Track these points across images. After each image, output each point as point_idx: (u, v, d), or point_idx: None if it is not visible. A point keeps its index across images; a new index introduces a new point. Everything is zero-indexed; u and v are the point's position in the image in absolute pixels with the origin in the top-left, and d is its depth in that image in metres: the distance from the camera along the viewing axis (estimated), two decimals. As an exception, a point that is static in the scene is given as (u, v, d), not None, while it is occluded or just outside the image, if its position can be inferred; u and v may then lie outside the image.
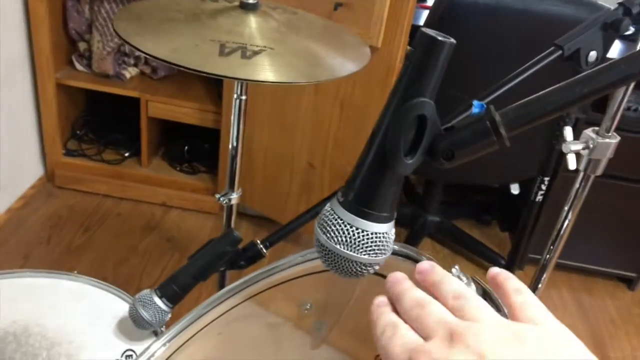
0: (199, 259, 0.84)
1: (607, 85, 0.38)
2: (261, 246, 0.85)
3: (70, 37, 2.05)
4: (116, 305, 0.91)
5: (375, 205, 0.43)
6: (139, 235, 2.01)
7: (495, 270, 0.40)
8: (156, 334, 0.87)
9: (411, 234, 2.11)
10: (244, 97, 1.02)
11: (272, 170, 1.95)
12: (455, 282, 0.38)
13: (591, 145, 0.76)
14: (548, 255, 0.83)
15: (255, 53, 0.88)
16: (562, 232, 0.83)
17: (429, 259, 0.48)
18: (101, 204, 2.12)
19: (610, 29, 0.89)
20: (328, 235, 0.44)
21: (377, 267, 0.45)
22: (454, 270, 0.41)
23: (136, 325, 0.83)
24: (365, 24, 1.53)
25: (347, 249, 0.43)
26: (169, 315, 0.84)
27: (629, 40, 1.92)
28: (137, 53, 2.09)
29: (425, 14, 1.87)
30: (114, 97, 2.05)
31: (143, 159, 2.15)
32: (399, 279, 0.40)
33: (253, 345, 0.69)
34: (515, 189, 2.01)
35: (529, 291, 0.38)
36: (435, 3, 1.58)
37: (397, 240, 0.46)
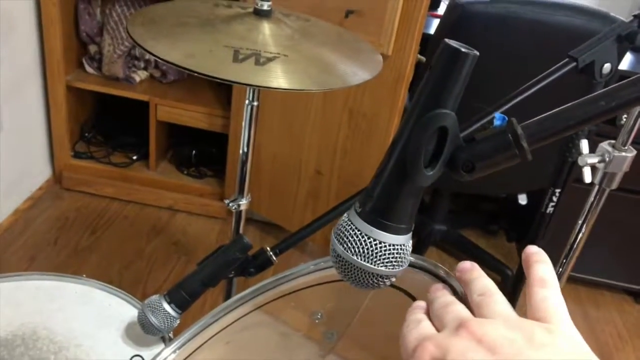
0: (208, 265, 0.83)
1: (632, 100, 0.38)
2: (271, 253, 0.84)
3: (81, 39, 2.06)
4: (123, 309, 0.91)
5: (393, 217, 0.42)
6: (145, 239, 2.01)
7: (531, 250, 0.40)
8: (164, 340, 0.86)
9: (417, 242, 2.10)
10: (255, 103, 1.02)
11: (279, 176, 1.95)
12: (485, 281, 0.39)
13: (607, 159, 0.75)
14: (560, 269, 0.82)
15: (269, 60, 0.88)
16: (575, 245, 0.82)
17: (445, 272, 0.48)
18: (108, 207, 2.12)
19: (625, 41, 0.88)
20: (345, 245, 0.43)
21: (393, 279, 0.45)
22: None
23: (144, 330, 0.83)
24: (376, 32, 1.53)
25: (364, 260, 0.43)
26: (178, 322, 0.83)
27: (640, 52, 1.91)
28: (147, 56, 2.09)
29: (436, 22, 1.87)
30: (123, 100, 2.06)
31: (151, 162, 2.16)
32: (437, 287, 0.42)
33: (262, 355, 0.69)
34: (523, 200, 2.01)
35: (553, 283, 0.38)
36: (446, 12, 1.58)
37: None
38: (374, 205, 0.43)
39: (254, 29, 0.95)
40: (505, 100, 0.79)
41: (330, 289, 0.64)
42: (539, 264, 0.39)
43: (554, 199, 0.96)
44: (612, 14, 1.49)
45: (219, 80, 0.82)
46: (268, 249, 0.85)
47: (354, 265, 0.43)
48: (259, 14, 0.96)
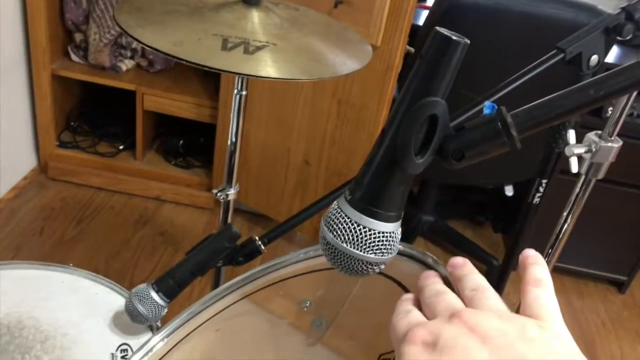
0: (197, 254, 0.83)
1: (620, 89, 0.38)
2: (259, 243, 0.84)
3: (67, 28, 2.03)
4: (111, 299, 0.91)
5: (383, 204, 0.42)
6: (132, 229, 2.00)
7: (528, 253, 0.41)
8: (152, 328, 0.86)
9: (405, 233, 2.09)
10: (244, 93, 1.02)
11: (267, 166, 1.95)
12: (478, 278, 0.40)
13: (594, 149, 0.76)
14: (546, 259, 0.83)
15: (258, 48, 0.87)
16: (561, 235, 0.83)
17: (434, 260, 0.48)
18: (94, 197, 2.10)
19: (613, 34, 0.89)
20: (334, 233, 0.43)
21: (382, 267, 0.45)
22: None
23: (132, 319, 0.82)
24: (365, 22, 1.52)
25: (354, 248, 0.43)
26: (165, 310, 0.83)
27: (629, 45, 1.93)
28: (134, 45, 2.07)
29: (424, 14, 1.87)
30: (110, 89, 2.04)
31: (137, 152, 2.14)
32: (428, 275, 0.42)
33: (251, 342, 0.69)
34: (509, 191, 2.02)
35: (548, 283, 0.39)
36: (435, 3, 1.58)
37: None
38: (363, 192, 0.43)
39: (243, 17, 0.94)
40: (493, 91, 0.80)
41: (319, 278, 0.65)
42: (535, 265, 0.40)
43: (541, 189, 0.97)
44: (599, 7, 1.50)
45: (207, 69, 0.81)
46: (257, 238, 0.85)
47: (344, 253, 0.43)
48: (248, 2, 0.96)
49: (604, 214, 1.89)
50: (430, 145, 0.41)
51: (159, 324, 0.85)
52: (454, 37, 0.39)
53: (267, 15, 0.97)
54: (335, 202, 0.45)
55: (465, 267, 0.41)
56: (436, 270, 0.44)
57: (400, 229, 0.44)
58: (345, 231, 0.43)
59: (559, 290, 2.08)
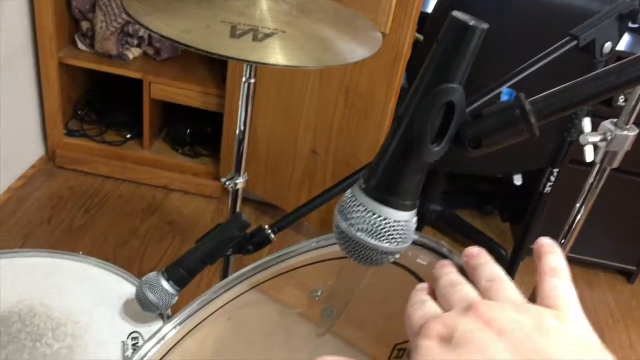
0: (207, 243, 0.83)
1: (642, 75, 0.37)
2: (269, 231, 0.84)
3: (73, 16, 2.02)
4: (121, 287, 0.91)
5: (398, 193, 0.42)
6: (140, 218, 2.00)
7: (543, 241, 0.40)
8: (162, 316, 0.86)
9: (412, 222, 2.10)
10: (252, 80, 1.01)
11: (274, 155, 1.94)
12: (494, 268, 0.39)
13: (609, 137, 0.75)
14: (558, 248, 0.82)
15: (267, 36, 0.86)
16: (574, 225, 0.82)
17: (448, 249, 0.48)
18: (102, 185, 2.10)
19: (627, 20, 0.88)
20: (349, 222, 0.43)
21: (397, 256, 0.44)
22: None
23: (142, 307, 0.83)
24: (374, 10, 1.51)
25: (368, 237, 0.42)
26: (176, 298, 0.83)
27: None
28: (141, 33, 2.06)
29: (433, 0, 1.85)
30: (117, 77, 2.03)
31: (145, 141, 2.14)
32: (443, 264, 0.42)
33: (262, 332, 0.69)
34: (518, 180, 2.01)
35: (564, 272, 0.38)
36: (444, -10, 1.56)
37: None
38: (378, 181, 0.42)
39: (252, 4, 0.93)
40: (507, 78, 0.79)
41: (331, 267, 0.64)
42: (551, 254, 0.39)
43: (552, 178, 0.96)
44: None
45: (216, 57, 0.80)
46: (266, 227, 0.85)
47: (358, 241, 0.43)
48: (257, -11, 0.95)
49: (613, 204, 1.88)
50: (446, 132, 0.40)
51: (169, 312, 0.85)
52: (472, 22, 0.38)
53: (275, 2, 0.96)
54: (349, 191, 0.44)
55: (481, 257, 0.40)
56: (451, 260, 0.44)
57: (415, 218, 0.44)
58: (360, 220, 0.42)
59: (567, 279, 2.08)
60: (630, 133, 0.76)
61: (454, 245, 2.14)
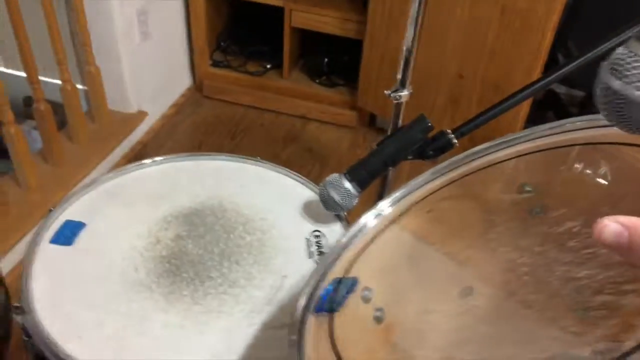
0: (389, 145, 0.82)
1: None
2: (452, 135, 0.81)
3: (218, -54, 2.06)
4: (299, 190, 0.94)
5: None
6: (281, 145, 2.07)
7: None
8: (340, 218, 0.88)
9: None
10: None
11: (416, 80, 1.87)
12: None
13: None
14: None
15: None
16: None
17: None
18: (245, 114, 2.19)
19: None
20: (626, 79, 0.39)
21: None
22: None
23: (325, 206, 0.85)
24: None
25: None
26: (357, 200, 0.84)
27: None
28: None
29: None
30: (257, 6, 2.06)
31: (285, 70, 2.18)
32: None
33: (461, 227, 0.67)
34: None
35: None
36: None
37: None
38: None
39: None
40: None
41: (542, 159, 0.61)
42: None
43: None
44: None
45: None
46: (449, 131, 0.82)
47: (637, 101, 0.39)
48: None
49: None
50: None
51: (346, 215, 0.87)
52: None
53: None
54: (621, 47, 0.40)
55: None
56: None
57: None
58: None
59: None
60: None
61: None
